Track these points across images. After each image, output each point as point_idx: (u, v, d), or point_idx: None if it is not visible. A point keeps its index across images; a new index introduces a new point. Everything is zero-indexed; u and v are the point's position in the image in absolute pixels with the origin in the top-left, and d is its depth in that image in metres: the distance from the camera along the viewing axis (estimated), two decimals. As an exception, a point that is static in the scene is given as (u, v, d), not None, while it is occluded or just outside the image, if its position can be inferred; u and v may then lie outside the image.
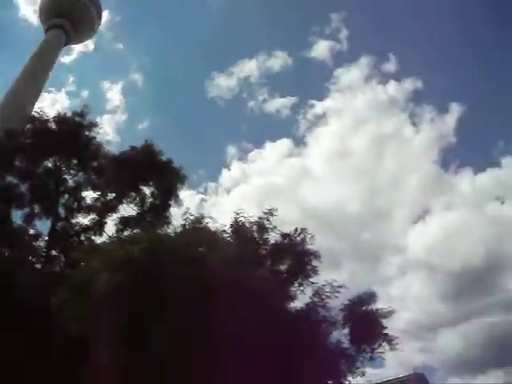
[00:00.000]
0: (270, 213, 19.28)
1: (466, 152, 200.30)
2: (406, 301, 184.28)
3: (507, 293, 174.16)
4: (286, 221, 23.35)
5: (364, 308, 19.15)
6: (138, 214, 26.26)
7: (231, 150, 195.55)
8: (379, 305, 20.01)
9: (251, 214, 19.67)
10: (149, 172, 26.36)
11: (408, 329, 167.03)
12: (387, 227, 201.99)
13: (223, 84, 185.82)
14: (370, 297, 19.44)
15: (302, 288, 18.96)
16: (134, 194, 26.59)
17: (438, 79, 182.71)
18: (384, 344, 19.12)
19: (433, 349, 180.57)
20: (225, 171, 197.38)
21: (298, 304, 19.40)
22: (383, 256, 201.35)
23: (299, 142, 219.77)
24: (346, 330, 19.32)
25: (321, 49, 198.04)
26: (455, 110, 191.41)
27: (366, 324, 18.81)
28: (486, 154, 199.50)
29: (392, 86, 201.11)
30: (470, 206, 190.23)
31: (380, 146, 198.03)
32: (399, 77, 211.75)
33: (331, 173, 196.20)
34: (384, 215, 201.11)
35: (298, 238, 19.06)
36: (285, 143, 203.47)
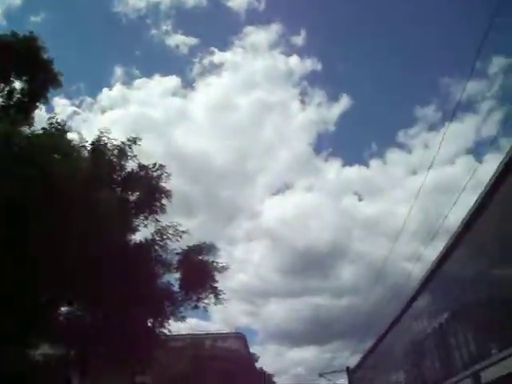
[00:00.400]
0: (134, 141, 18.72)
1: (341, 144, 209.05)
2: (246, 265, 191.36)
3: (338, 280, 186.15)
4: (149, 155, 22.93)
5: (200, 257, 19.38)
6: (1, 106, 24.44)
7: (118, 72, 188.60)
8: (218, 260, 20.42)
9: (118, 138, 19.04)
10: (25, 66, 24.48)
11: (241, 290, 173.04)
12: (248, 191, 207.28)
13: (131, 2, 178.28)
14: (210, 249, 19.70)
15: (145, 223, 18.76)
16: (2, 85, 24.66)
17: (339, 68, 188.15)
18: (211, 296, 19.55)
19: (260, 315, 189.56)
20: (106, 91, 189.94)
21: (138, 237, 19.24)
22: (236, 217, 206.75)
23: (188, 84, 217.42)
24: (178, 275, 19.52)
25: (239, 1, 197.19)
26: (344, 102, 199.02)
27: (199, 273, 19.07)
28: (357, 152, 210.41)
29: (293, 60, 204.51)
30: (329, 194, 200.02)
31: (264, 112, 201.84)
32: (303, 54, 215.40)
33: (210, 124, 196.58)
34: (248, 179, 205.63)
35: (155, 173, 18.74)
36: (173, 81, 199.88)
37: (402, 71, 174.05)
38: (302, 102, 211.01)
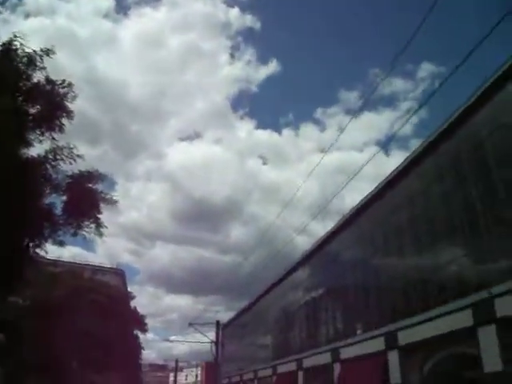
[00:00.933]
0: (47, 53, 17.54)
1: (259, 106, 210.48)
2: (140, 203, 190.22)
3: (227, 237, 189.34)
4: (63, 70, 21.99)
5: (90, 185, 18.92)
6: None
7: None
8: (112, 193, 20.05)
9: (33, 47, 17.73)
10: None
11: (130, 228, 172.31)
12: (157, 131, 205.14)
13: None
14: (101, 178, 19.23)
15: (41, 139, 17.94)
16: None
17: (276, 33, 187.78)
18: (92, 226, 19.19)
19: (144, 255, 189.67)
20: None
21: (31, 153, 18.37)
22: (140, 154, 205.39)
23: (122, 9, 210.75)
24: (64, 198, 18.93)
25: None
26: (272, 67, 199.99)
27: (85, 200, 18.59)
28: (273, 118, 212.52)
29: (234, 13, 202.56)
30: (236, 151, 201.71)
31: (191, 57, 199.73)
32: (245, 9, 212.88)
33: (135, 55, 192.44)
34: (160, 119, 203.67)
35: (61, 90, 17.86)
36: (108, 2, 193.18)
37: (336, 52, 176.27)
38: (232, 56, 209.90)
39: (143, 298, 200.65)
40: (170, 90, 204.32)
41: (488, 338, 20.76)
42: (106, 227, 19.60)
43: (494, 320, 20.46)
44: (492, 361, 20.39)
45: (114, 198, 19.73)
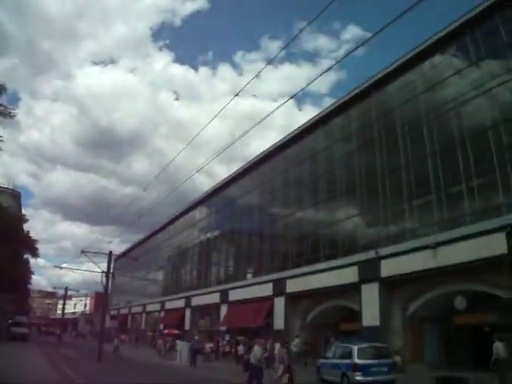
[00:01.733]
0: None
1: (180, 41, 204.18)
2: (43, 124, 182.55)
3: (129, 169, 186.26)
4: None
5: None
6: None
7: None
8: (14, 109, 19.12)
9: None
10: None
11: (30, 148, 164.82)
12: (69, 50, 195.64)
13: None
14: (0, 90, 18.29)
15: None
16: None
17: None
18: None
19: (42, 179, 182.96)
20: None
21: None
22: (49, 72, 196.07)
23: None
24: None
25: None
26: (200, 2, 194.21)
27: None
28: (192, 54, 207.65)
29: None
30: (149, 83, 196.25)
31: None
32: None
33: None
34: (76, 38, 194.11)
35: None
36: None
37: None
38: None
39: (37, 223, 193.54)
40: (90, 11, 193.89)
41: (370, 294, 21.89)
42: (2, 140, 18.69)
43: (378, 279, 21.61)
44: (371, 315, 21.59)
45: (14, 112, 18.80)
